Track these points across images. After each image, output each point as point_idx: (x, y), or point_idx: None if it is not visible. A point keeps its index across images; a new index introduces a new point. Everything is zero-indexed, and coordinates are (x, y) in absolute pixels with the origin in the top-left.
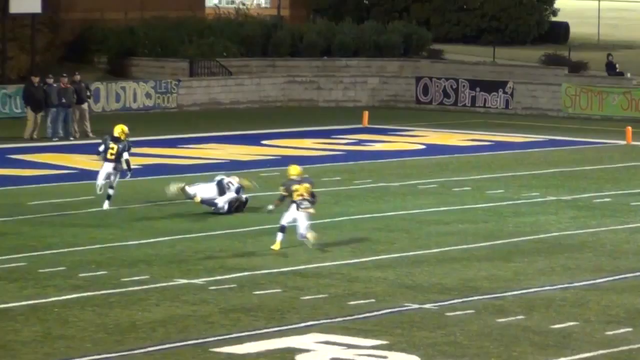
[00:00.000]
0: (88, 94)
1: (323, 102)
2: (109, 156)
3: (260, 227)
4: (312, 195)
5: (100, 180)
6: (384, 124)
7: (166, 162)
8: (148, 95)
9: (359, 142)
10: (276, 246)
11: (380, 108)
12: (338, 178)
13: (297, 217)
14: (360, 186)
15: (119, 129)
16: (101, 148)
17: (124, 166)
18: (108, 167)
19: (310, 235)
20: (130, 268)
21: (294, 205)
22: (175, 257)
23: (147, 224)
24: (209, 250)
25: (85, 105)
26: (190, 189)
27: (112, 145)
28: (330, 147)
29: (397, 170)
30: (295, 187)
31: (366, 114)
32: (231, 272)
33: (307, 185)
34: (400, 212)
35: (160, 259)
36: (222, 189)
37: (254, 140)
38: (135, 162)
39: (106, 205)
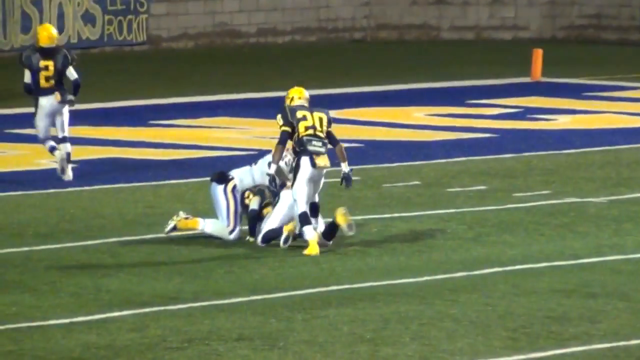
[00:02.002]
0: None
1: (448, 31)
2: (43, 83)
3: (311, 291)
4: (331, 136)
5: (44, 133)
6: (574, 75)
7: (127, 155)
8: (89, 19)
9: (524, 114)
10: (313, 249)
11: (568, 42)
12: (481, 187)
13: (313, 178)
14: (527, 204)
15: (46, 33)
16: (27, 77)
17: (71, 92)
18: (47, 103)
19: (341, 219)
20: None
21: (306, 159)
22: (146, 349)
23: (90, 284)
24: (215, 336)
25: None
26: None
27: (43, 62)
28: (463, 125)
29: (604, 170)
30: (302, 113)
31: (539, 54)
32: None
33: (321, 115)
34: (611, 258)
35: (118, 354)
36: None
37: None
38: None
39: (69, 172)
